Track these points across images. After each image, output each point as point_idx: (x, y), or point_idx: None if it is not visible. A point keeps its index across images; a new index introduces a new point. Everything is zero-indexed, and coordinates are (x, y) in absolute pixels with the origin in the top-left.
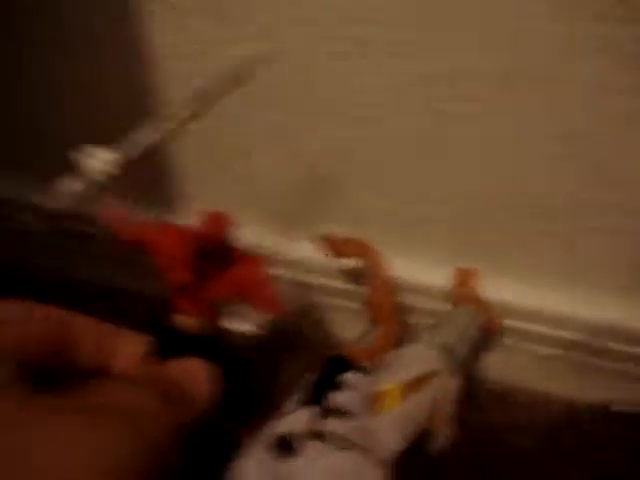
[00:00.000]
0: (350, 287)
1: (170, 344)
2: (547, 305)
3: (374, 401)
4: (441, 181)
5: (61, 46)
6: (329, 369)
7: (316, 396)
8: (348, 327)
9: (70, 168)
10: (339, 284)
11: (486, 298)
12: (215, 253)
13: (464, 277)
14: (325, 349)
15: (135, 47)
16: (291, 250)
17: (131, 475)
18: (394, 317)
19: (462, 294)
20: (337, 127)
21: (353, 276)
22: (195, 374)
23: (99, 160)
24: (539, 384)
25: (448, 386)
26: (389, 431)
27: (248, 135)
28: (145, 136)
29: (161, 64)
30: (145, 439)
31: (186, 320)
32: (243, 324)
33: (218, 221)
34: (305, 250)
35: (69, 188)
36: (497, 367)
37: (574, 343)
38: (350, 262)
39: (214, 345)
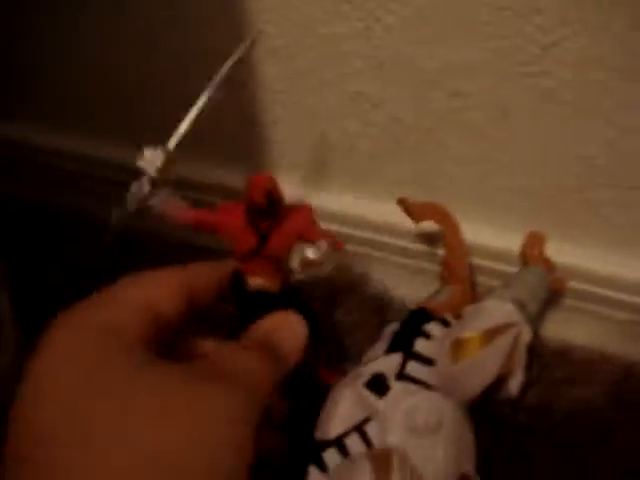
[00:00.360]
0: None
1: (252, 306)
2: (610, 269)
3: (455, 349)
4: (517, 153)
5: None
6: (412, 320)
7: (402, 343)
8: (408, 285)
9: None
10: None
11: (554, 261)
12: (268, 212)
13: (534, 240)
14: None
15: None
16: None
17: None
18: (468, 277)
19: (531, 256)
20: (429, 98)
21: (426, 238)
22: (287, 327)
23: (157, 160)
24: (600, 344)
25: (523, 337)
26: (468, 377)
27: (333, 101)
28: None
29: None
30: (260, 400)
31: (258, 281)
32: (315, 252)
33: (263, 183)
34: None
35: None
36: (559, 326)
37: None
38: (426, 224)
39: (289, 298)
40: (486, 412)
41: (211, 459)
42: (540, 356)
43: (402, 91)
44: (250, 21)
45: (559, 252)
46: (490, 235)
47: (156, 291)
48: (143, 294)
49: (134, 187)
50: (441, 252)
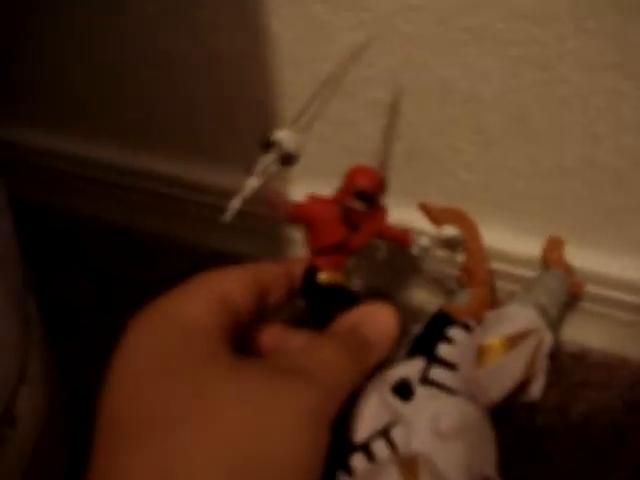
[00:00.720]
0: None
1: (326, 301)
2: (628, 274)
3: (478, 354)
4: (535, 159)
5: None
6: (435, 324)
7: (424, 347)
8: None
9: None
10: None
11: (572, 265)
12: (368, 204)
13: (554, 244)
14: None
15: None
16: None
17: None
18: (488, 282)
19: (551, 259)
20: (440, 106)
21: (448, 243)
22: (375, 319)
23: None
24: (617, 348)
25: (545, 342)
26: (491, 382)
27: (355, 110)
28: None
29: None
30: (336, 395)
31: (335, 276)
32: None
33: (372, 171)
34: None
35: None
36: (576, 330)
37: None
38: (447, 230)
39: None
40: (506, 415)
41: (290, 457)
42: (558, 359)
43: (419, 97)
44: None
45: (576, 256)
46: (509, 240)
47: (230, 285)
48: (218, 288)
49: (265, 159)
50: (461, 257)
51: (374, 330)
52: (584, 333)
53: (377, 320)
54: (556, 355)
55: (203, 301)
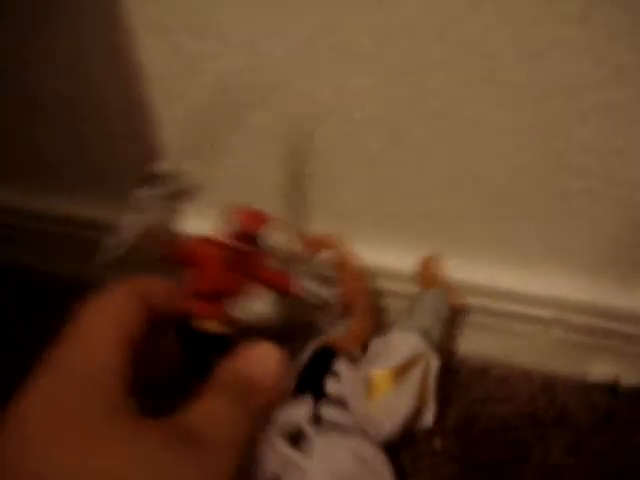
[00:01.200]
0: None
1: (205, 350)
2: (513, 284)
3: (367, 388)
4: (409, 176)
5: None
6: (318, 357)
7: (311, 384)
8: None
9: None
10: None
11: (451, 280)
12: (253, 248)
13: (429, 263)
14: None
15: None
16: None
17: None
18: (366, 306)
19: (428, 278)
20: (316, 128)
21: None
22: (257, 360)
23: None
24: (517, 360)
25: (432, 365)
26: (383, 415)
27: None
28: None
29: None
30: (231, 455)
31: (210, 323)
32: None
33: (258, 214)
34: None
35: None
36: (476, 344)
37: (548, 321)
38: (327, 255)
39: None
40: (403, 439)
41: None
42: (458, 375)
43: (295, 121)
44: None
45: (463, 270)
46: (392, 257)
47: (121, 317)
48: (109, 323)
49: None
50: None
51: (258, 371)
52: (484, 347)
53: (260, 359)
54: (455, 370)
55: (99, 345)
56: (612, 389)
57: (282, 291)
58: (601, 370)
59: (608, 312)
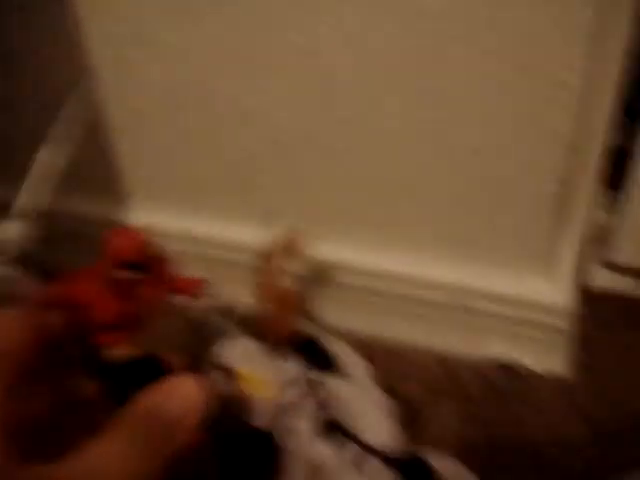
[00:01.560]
0: None
1: (122, 377)
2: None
3: None
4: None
5: None
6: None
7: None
8: None
9: None
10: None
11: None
12: (138, 271)
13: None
14: None
15: None
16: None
17: None
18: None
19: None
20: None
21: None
22: (179, 392)
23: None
24: (412, 338)
25: None
26: None
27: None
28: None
29: None
30: None
31: (119, 351)
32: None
33: (133, 237)
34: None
35: None
36: (363, 321)
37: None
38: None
39: (153, 363)
40: None
41: None
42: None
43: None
44: None
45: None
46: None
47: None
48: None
49: None
50: None
51: (177, 405)
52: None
53: (179, 394)
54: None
55: None
56: (503, 367)
57: (193, 295)
58: (495, 350)
59: (502, 298)
